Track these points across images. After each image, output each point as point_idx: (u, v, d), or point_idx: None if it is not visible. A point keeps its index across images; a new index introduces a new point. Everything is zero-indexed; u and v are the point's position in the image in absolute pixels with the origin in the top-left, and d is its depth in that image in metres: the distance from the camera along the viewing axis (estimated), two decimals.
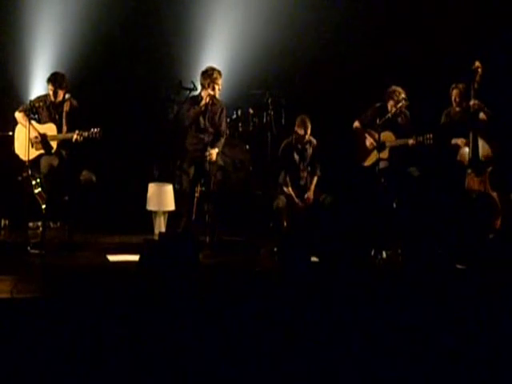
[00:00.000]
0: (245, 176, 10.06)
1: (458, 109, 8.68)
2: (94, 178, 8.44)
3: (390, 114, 8.66)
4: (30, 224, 9.14)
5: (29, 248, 8.07)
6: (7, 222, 9.37)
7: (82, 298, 6.18)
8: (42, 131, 8.45)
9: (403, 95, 8.74)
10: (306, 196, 8.74)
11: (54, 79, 8.50)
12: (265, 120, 10.24)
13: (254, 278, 7.28)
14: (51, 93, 8.50)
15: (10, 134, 8.76)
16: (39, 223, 8.66)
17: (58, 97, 8.51)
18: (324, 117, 9.70)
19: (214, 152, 8.51)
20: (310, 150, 8.88)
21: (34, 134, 8.39)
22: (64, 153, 8.49)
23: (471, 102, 8.37)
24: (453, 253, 7.97)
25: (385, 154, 8.69)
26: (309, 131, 8.75)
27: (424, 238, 8.40)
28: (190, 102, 8.81)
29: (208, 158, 8.43)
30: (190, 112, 8.65)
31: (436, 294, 6.61)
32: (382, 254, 8.19)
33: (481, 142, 8.33)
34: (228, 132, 9.63)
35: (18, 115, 8.53)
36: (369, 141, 8.89)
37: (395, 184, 8.64)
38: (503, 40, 9.99)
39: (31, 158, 8.34)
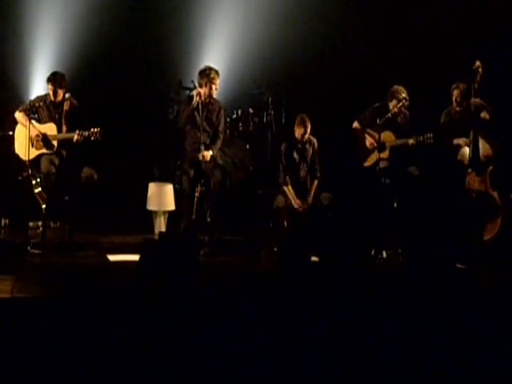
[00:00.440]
0: (245, 176, 10.06)
1: (458, 108, 8.68)
2: (95, 176, 8.45)
3: (390, 114, 8.66)
4: (30, 224, 9.14)
5: (29, 248, 8.06)
6: (7, 221, 9.37)
7: (82, 297, 6.18)
8: (42, 131, 8.45)
9: (404, 94, 8.74)
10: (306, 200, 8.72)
11: (54, 79, 8.50)
12: (265, 119, 10.26)
13: (254, 278, 7.28)
14: (51, 92, 8.51)
15: (10, 133, 8.76)
16: (39, 223, 8.65)
17: (58, 96, 8.51)
18: (324, 116, 9.70)
19: (208, 154, 8.48)
20: (310, 150, 8.87)
21: (35, 132, 8.39)
22: (64, 152, 8.49)
23: (472, 101, 8.37)
24: (453, 253, 7.98)
25: (385, 154, 8.69)
26: (308, 130, 8.74)
27: (424, 238, 8.40)
28: (185, 102, 8.81)
29: (201, 159, 8.41)
30: (184, 112, 8.65)
31: (436, 293, 6.61)
32: (382, 253, 8.19)
33: (481, 142, 8.32)
34: (228, 132, 9.63)
35: (18, 115, 8.53)
36: (369, 141, 8.89)
37: (395, 184, 8.64)
38: (503, 40, 9.99)
39: (31, 157, 8.34)
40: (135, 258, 6.95)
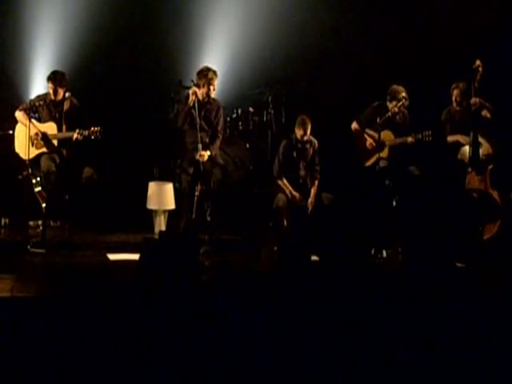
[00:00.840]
0: (245, 175, 10.06)
1: (458, 108, 8.68)
2: (95, 176, 8.45)
3: (390, 113, 8.66)
4: (31, 223, 9.16)
5: (29, 247, 8.07)
6: (7, 220, 9.38)
7: (82, 296, 6.18)
8: (42, 130, 8.45)
9: (403, 94, 8.74)
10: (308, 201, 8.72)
11: (54, 77, 8.50)
12: (265, 119, 10.27)
13: (253, 278, 7.29)
14: (51, 91, 8.50)
15: (11, 132, 8.76)
16: (39, 222, 8.66)
17: (58, 95, 8.51)
18: (324, 116, 9.70)
19: (205, 154, 8.48)
20: (310, 150, 8.86)
21: (34, 131, 8.39)
22: (64, 152, 8.49)
23: (472, 100, 8.37)
24: (453, 252, 7.98)
25: (384, 153, 8.69)
26: (309, 131, 8.72)
27: (424, 237, 8.41)
28: (183, 101, 8.81)
29: (198, 158, 8.41)
30: (182, 111, 8.67)
31: (436, 293, 6.61)
32: (382, 252, 8.20)
33: (481, 141, 8.33)
34: (228, 131, 9.64)
35: (18, 114, 8.53)
36: (368, 141, 8.89)
37: (395, 183, 8.65)
38: (503, 40, 9.99)
39: (31, 156, 8.35)
40: (135, 257, 6.95)
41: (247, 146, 10.14)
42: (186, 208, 8.49)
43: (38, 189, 8.43)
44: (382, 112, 8.70)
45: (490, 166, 8.32)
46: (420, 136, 8.54)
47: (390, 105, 8.78)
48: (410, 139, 8.61)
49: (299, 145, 8.83)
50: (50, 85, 8.50)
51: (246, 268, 7.79)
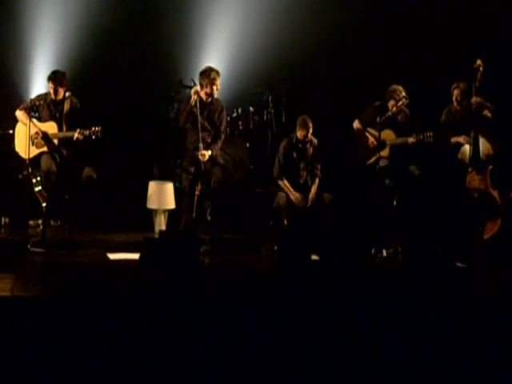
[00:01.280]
0: (245, 174, 10.06)
1: (458, 107, 8.68)
2: (94, 176, 8.45)
3: (390, 113, 8.67)
4: (31, 222, 9.16)
5: (29, 246, 8.07)
6: (7, 220, 9.38)
7: (82, 296, 6.18)
8: (42, 129, 8.45)
9: (403, 93, 8.74)
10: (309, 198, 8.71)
11: (55, 77, 8.50)
12: (265, 118, 10.27)
13: (254, 277, 7.29)
14: (51, 91, 8.50)
15: (11, 132, 8.77)
16: (39, 221, 8.66)
17: (59, 95, 8.51)
18: (324, 116, 9.70)
19: (206, 153, 8.48)
20: (310, 150, 8.86)
21: (34, 130, 8.39)
22: (64, 151, 8.49)
23: (473, 100, 8.37)
24: (453, 251, 7.98)
25: (385, 153, 8.70)
26: (310, 132, 8.71)
27: (424, 237, 8.41)
28: (185, 101, 8.82)
29: (200, 158, 8.41)
30: (183, 111, 8.68)
31: (436, 292, 6.61)
32: (382, 252, 8.20)
33: (482, 140, 8.33)
34: (228, 130, 9.63)
35: (19, 113, 8.53)
36: (370, 140, 8.88)
37: (396, 182, 8.64)
38: (503, 40, 9.99)
39: (32, 156, 8.35)
40: (135, 256, 6.95)
41: (247, 145, 10.14)
42: (187, 207, 8.49)
43: (38, 188, 8.43)
44: (382, 112, 8.70)
45: (491, 166, 8.32)
46: (421, 137, 8.54)
47: (389, 104, 8.78)
48: (411, 140, 8.61)
49: (299, 144, 8.82)
50: (51, 84, 8.50)
51: (246, 267, 7.79)
